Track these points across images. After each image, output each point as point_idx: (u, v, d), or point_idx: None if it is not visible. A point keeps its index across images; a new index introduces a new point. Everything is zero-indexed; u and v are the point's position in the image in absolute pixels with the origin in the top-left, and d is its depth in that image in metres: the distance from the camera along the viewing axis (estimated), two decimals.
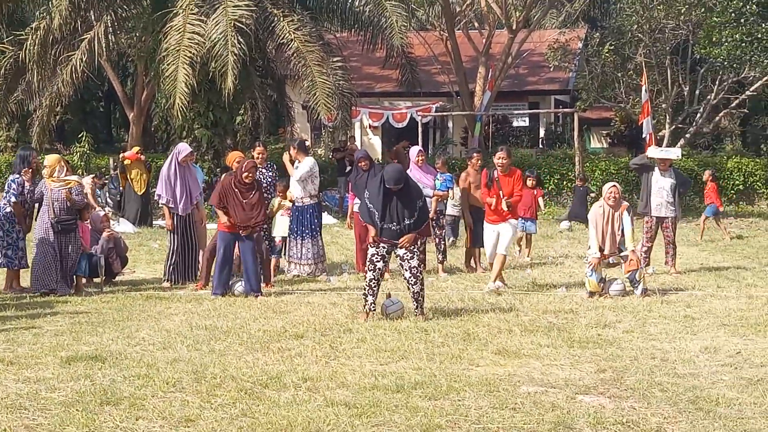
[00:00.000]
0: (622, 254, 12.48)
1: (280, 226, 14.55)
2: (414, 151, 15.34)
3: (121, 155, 23.77)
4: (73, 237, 12.98)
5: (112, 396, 7.36)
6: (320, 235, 14.58)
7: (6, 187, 13.21)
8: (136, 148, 22.87)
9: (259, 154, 14.90)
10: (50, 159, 13.22)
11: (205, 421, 6.72)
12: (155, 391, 7.56)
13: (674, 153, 15.46)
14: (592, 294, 12.28)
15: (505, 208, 12.93)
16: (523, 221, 16.17)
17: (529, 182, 16.87)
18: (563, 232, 21.34)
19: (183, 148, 14.12)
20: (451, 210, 15.88)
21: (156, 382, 7.79)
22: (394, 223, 10.67)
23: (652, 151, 15.56)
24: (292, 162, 14.54)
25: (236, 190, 12.56)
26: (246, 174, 12.56)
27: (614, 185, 12.68)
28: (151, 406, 7.09)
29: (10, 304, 11.87)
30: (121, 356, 8.85)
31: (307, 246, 14.29)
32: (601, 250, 12.40)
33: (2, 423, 6.65)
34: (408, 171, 14.91)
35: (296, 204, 14.38)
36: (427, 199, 14.52)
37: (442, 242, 14.92)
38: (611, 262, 12.62)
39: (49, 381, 7.91)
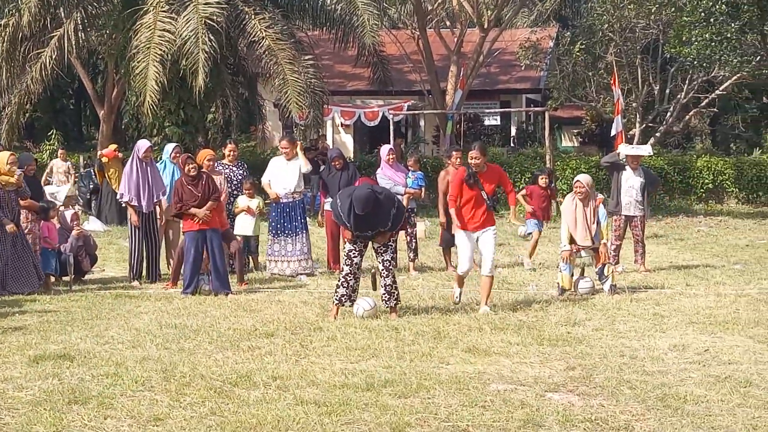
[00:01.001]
0: (593, 246, 12.46)
1: (243, 225, 14.52)
2: (384, 149, 15.37)
3: (99, 153, 23.59)
4: (21, 230, 12.86)
5: (80, 395, 7.32)
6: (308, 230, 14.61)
7: None
8: (113, 146, 22.68)
9: (230, 151, 14.93)
10: (4, 156, 13.03)
11: (174, 420, 6.69)
12: (124, 390, 7.52)
13: (645, 150, 15.56)
14: (563, 291, 12.31)
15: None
16: (537, 223, 15.68)
17: (541, 181, 15.86)
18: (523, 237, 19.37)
19: (141, 144, 14.07)
20: None
21: (125, 381, 7.75)
22: (369, 232, 10.68)
23: (624, 149, 15.64)
24: (290, 157, 14.45)
25: (188, 187, 12.61)
26: (187, 168, 12.71)
27: (578, 180, 12.67)
28: (119, 405, 7.06)
29: None
30: (90, 355, 8.80)
31: (302, 241, 14.30)
32: (573, 242, 12.42)
33: None
34: (379, 169, 14.98)
35: (286, 200, 14.28)
36: (399, 197, 14.55)
37: (414, 240, 14.92)
38: (582, 255, 12.62)
39: (17, 380, 7.86)
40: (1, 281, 12.57)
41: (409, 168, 15.24)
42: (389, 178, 14.73)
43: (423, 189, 15.31)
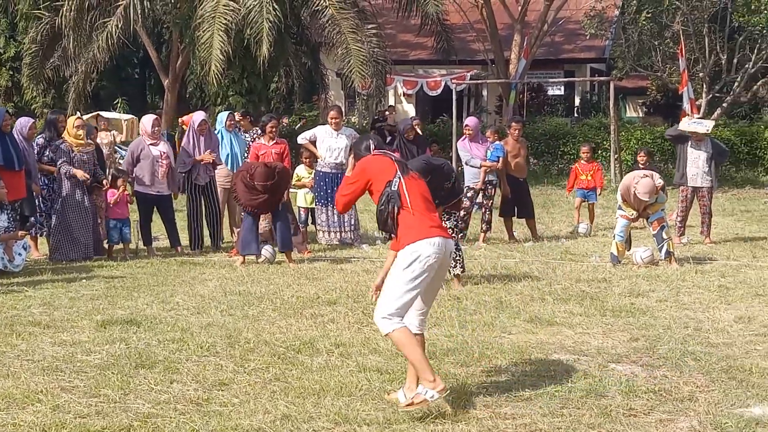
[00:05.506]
0: (651, 218, 12.37)
1: (305, 198, 14.59)
2: (465, 122, 15.37)
3: (180, 120, 23.77)
4: (91, 198, 13.12)
5: (147, 359, 7.44)
6: None
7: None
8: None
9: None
10: (71, 119, 13.33)
11: (239, 385, 6.78)
12: (189, 355, 7.63)
13: (704, 126, 15.09)
14: (618, 260, 12.25)
15: None
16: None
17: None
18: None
19: (197, 117, 14.18)
20: None
21: (190, 346, 7.87)
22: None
23: (684, 124, 15.32)
24: (339, 128, 14.49)
25: (255, 189, 12.54)
26: (260, 184, 12.43)
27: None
28: (185, 370, 7.16)
29: (47, 269, 12.00)
30: (156, 320, 8.94)
31: (349, 213, 14.31)
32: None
33: (39, 385, 6.74)
34: (460, 140, 14.95)
35: (332, 170, 14.32)
36: (475, 170, 14.45)
37: (488, 212, 14.75)
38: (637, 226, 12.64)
39: (85, 344, 8.01)
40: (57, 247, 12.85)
41: (488, 139, 15.08)
42: (467, 150, 14.62)
43: (501, 160, 14.79)
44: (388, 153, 6.63)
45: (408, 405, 6.10)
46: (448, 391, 6.18)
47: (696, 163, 14.50)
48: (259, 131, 14.83)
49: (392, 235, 6.49)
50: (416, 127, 17.21)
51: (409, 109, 35.45)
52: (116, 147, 23.21)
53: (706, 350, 7.78)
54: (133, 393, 6.60)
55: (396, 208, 6.29)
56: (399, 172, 6.39)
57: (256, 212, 12.68)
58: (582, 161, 17.06)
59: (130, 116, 23.92)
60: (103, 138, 24.01)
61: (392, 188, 6.31)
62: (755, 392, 6.61)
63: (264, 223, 13.31)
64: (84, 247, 12.86)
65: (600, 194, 17.06)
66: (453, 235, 10.85)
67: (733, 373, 7.09)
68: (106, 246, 13.51)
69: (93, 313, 9.28)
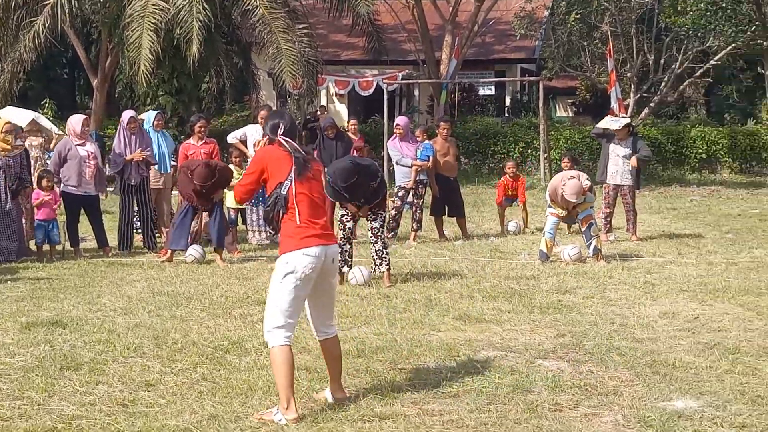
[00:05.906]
0: (580, 216, 12.54)
1: (233, 197, 14.57)
2: (396, 121, 15.37)
3: None
4: (15, 202, 12.94)
5: (72, 361, 7.36)
6: None
7: None
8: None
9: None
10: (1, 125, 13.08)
11: (166, 386, 6.73)
12: (116, 356, 7.56)
13: (617, 123, 15.25)
14: (546, 257, 12.38)
15: None
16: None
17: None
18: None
19: (125, 115, 14.03)
20: None
21: (117, 348, 7.79)
22: (353, 203, 10.65)
23: (604, 122, 15.53)
24: None
25: (197, 187, 12.55)
26: (199, 184, 12.50)
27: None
28: (111, 371, 7.09)
29: None
30: (82, 322, 8.83)
31: None
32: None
33: None
34: (390, 140, 14.98)
35: None
36: (406, 170, 14.48)
37: (419, 211, 14.78)
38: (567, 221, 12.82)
39: (9, 346, 7.90)
40: None
41: (417, 139, 15.09)
42: (398, 150, 14.63)
43: (431, 159, 14.81)
44: (290, 142, 6.34)
45: (259, 416, 6.08)
46: (300, 422, 5.99)
47: (616, 161, 14.70)
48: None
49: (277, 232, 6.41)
50: (353, 126, 17.28)
51: (341, 109, 35.46)
52: (44, 150, 22.91)
53: (631, 345, 7.89)
54: (58, 395, 6.53)
55: (281, 213, 6.23)
56: (292, 174, 6.23)
57: (199, 208, 12.70)
58: (507, 176, 16.47)
59: (61, 133, 23.61)
60: (33, 141, 23.63)
61: (281, 191, 6.21)
62: (678, 386, 6.71)
63: (194, 223, 13.24)
64: (6, 252, 12.66)
65: (523, 209, 16.29)
66: (380, 234, 10.89)
67: (657, 367, 7.20)
68: (33, 247, 13.35)
69: (17, 315, 9.15)
